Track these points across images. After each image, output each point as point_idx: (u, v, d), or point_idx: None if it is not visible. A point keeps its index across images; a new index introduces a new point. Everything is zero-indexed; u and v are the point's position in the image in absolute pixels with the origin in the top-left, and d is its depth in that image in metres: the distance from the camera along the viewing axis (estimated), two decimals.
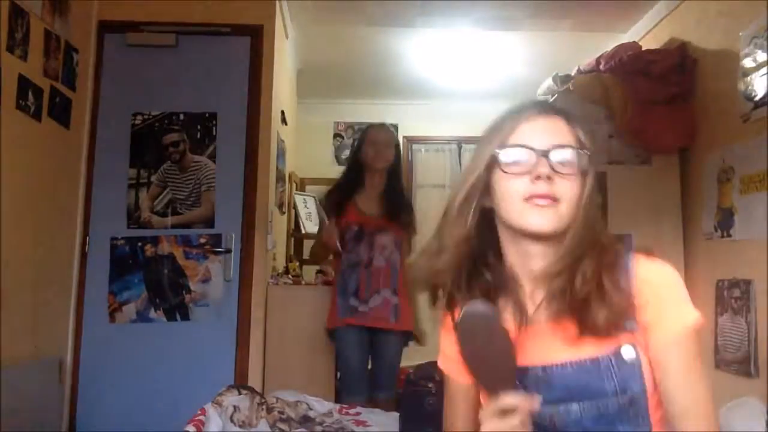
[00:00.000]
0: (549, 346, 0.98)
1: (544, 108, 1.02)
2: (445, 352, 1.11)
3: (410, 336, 2.93)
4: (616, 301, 0.93)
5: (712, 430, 0.91)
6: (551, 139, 0.97)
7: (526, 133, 0.98)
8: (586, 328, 0.94)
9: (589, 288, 0.94)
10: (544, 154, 0.95)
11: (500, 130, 1.01)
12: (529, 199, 0.95)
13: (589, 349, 0.95)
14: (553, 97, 3.78)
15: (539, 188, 0.94)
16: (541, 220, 0.94)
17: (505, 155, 0.98)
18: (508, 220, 0.98)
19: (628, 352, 0.93)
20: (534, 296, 1.01)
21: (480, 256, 1.03)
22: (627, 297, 0.93)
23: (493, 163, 0.99)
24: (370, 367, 2.92)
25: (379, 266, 2.82)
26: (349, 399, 2.74)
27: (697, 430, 0.90)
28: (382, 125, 3.15)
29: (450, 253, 1.01)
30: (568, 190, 0.95)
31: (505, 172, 0.97)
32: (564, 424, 0.94)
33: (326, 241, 2.85)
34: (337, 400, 2.76)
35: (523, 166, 0.96)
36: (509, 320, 0.99)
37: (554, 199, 0.94)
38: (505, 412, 0.87)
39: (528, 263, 1.00)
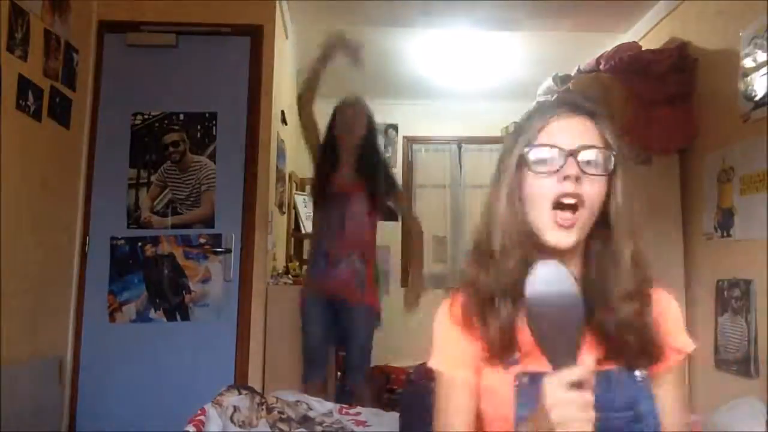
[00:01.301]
0: None
1: (573, 107, 1.02)
2: (444, 347, 1.05)
3: (379, 315, 2.88)
4: (656, 341, 0.97)
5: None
6: (579, 138, 0.97)
7: (554, 132, 0.98)
8: (619, 357, 0.95)
9: (640, 324, 0.96)
10: (573, 153, 0.95)
11: (528, 129, 1.01)
12: (556, 203, 0.95)
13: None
14: (553, 97, 3.77)
15: (566, 188, 0.95)
16: (562, 238, 0.96)
17: (533, 154, 0.98)
18: (533, 228, 0.98)
19: (640, 371, 0.96)
20: None
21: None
22: (661, 337, 0.98)
23: (521, 163, 0.99)
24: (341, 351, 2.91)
25: (351, 231, 2.79)
26: (307, 379, 2.74)
27: None
28: (352, 101, 3.02)
29: (515, 257, 0.98)
30: (594, 191, 0.96)
31: (533, 171, 0.97)
32: None
33: None
34: (336, 400, 2.76)
35: (550, 166, 0.96)
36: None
37: (581, 200, 0.95)
38: (576, 385, 0.81)
39: None
